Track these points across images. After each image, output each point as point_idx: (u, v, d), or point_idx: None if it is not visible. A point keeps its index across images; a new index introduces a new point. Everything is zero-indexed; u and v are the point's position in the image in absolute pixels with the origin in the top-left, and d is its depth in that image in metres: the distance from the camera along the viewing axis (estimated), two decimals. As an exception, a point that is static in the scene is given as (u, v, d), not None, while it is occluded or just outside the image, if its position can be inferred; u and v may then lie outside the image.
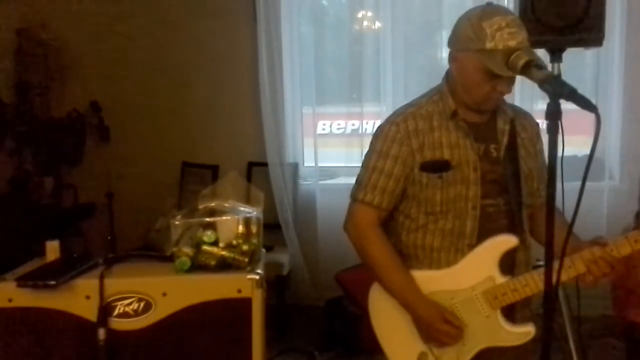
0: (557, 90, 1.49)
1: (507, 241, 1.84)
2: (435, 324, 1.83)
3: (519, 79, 1.78)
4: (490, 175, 1.86)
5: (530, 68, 1.64)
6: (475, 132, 1.87)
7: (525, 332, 1.86)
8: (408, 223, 1.92)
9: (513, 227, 1.87)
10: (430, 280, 1.88)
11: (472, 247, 1.85)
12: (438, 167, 1.84)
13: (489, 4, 1.84)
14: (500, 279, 1.83)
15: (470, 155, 1.85)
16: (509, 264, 1.87)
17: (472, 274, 1.85)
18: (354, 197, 1.97)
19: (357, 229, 1.95)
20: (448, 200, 1.84)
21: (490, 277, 1.83)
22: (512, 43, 1.68)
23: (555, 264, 1.51)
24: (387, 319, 1.97)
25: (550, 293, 1.52)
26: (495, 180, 1.87)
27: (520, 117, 1.99)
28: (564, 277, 1.63)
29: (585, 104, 1.45)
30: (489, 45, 1.69)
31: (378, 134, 1.96)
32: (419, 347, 1.91)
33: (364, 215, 1.93)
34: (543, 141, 1.94)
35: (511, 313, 1.90)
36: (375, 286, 1.99)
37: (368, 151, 1.99)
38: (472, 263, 1.85)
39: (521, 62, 1.65)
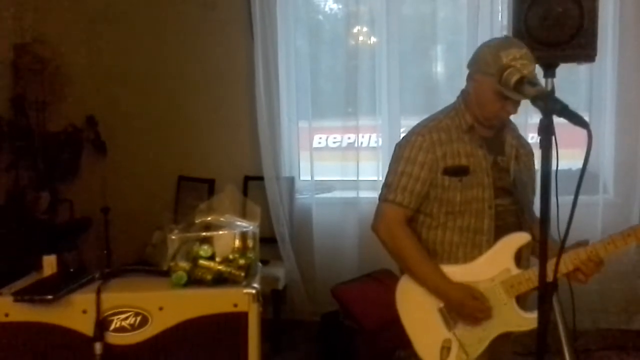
0: (549, 106, 1.52)
1: (522, 237, 2.09)
2: (467, 302, 2.04)
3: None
4: (499, 182, 2.11)
5: (523, 84, 1.70)
6: (486, 145, 2.13)
7: (536, 317, 2.03)
8: (429, 221, 2.14)
9: (519, 225, 2.13)
10: (454, 274, 2.09)
11: (489, 242, 2.09)
12: (459, 171, 2.08)
13: (507, 37, 2.22)
14: (516, 270, 2.07)
15: (483, 163, 2.10)
16: (517, 257, 2.10)
17: (491, 266, 2.08)
18: (384, 198, 2.15)
19: (388, 226, 2.12)
20: (466, 200, 2.08)
21: (507, 269, 2.07)
22: (523, 72, 1.89)
23: (551, 264, 1.65)
24: (414, 310, 2.15)
25: (544, 299, 1.62)
26: (503, 186, 2.12)
27: (520, 136, 2.26)
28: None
29: (576, 120, 1.48)
30: (505, 72, 1.90)
31: (404, 144, 2.15)
32: (443, 335, 2.09)
33: (394, 214, 2.12)
34: (536, 156, 2.17)
35: (523, 302, 2.11)
36: (403, 280, 2.17)
37: (394, 159, 2.18)
38: (492, 257, 2.09)
39: (514, 78, 1.73)
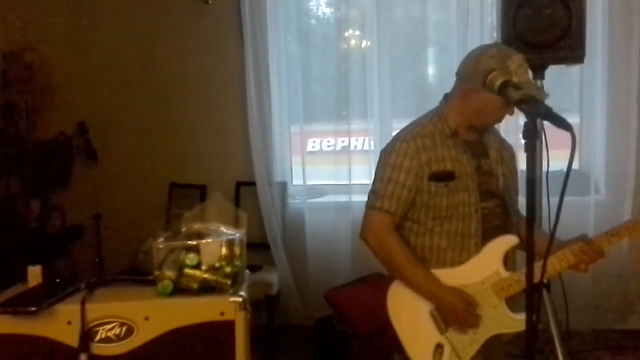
0: (533, 109, 1.53)
1: (510, 240, 2.11)
2: (458, 306, 2.05)
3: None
4: (483, 186, 2.13)
5: (507, 88, 1.70)
6: (470, 149, 2.15)
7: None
8: (416, 228, 2.15)
9: (505, 227, 2.15)
10: (445, 277, 2.10)
11: (477, 245, 2.11)
12: (444, 177, 2.10)
13: (498, 44, 2.28)
14: (505, 273, 2.09)
15: (468, 167, 2.12)
16: (504, 259, 2.12)
17: (481, 269, 2.10)
18: (371, 206, 2.16)
19: (376, 233, 2.14)
20: (452, 205, 2.09)
21: (497, 272, 2.09)
22: (528, 77, 2.01)
23: (539, 264, 1.69)
24: (405, 315, 2.16)
25: (532, 299, 1.60)
26: (488, 190, 2.14)
27: (502, 140, 2.29)
28: (558, 268, 2.06)
29: (560, 123, 1.48)
30: (515, 79, 1.90)
31: (389, 151, 2.16)
32: (435, 338, 2.11)
33: (382, 221, 2.13)
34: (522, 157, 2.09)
35: (512, 303, 2.12)
36: (394, 285, 2.17)
37: (380, 166, 2.18)
38: (481, 261, 2.10)
39: (498, 82, 1.72)
